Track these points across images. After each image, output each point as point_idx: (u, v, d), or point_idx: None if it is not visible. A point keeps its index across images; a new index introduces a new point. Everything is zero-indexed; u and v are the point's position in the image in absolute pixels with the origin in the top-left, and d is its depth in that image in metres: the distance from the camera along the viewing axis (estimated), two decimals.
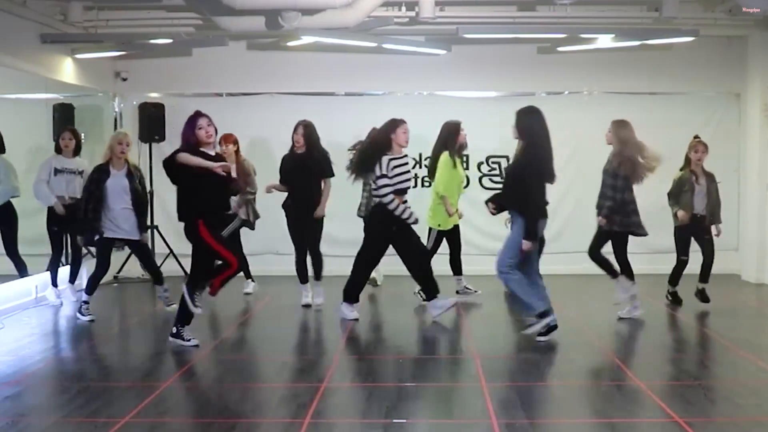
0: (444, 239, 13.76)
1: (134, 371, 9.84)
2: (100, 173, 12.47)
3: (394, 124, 12.05)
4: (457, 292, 13.91)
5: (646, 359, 10.33)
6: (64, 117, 14.34)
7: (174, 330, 10.59)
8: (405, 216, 11.88)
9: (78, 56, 15.42)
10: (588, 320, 12.23)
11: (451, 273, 13.82)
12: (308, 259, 13.12)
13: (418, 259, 12.15)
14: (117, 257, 15.94)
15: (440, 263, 13.13)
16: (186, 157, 10.15)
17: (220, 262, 10.42)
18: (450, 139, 13.58)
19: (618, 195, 11.98)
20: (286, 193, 13.12)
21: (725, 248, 16.70)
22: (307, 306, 13.01)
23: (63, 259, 13.71)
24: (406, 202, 12.04)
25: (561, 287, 14.05)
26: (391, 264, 15.38)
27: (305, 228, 13.02)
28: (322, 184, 13.10)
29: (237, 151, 13.86)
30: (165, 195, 15.20)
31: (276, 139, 14.84)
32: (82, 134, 15.03)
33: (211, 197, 10.37)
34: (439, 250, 13.47)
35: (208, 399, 8.65)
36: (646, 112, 15.61)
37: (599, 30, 14.80)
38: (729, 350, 10.55)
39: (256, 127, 15.55)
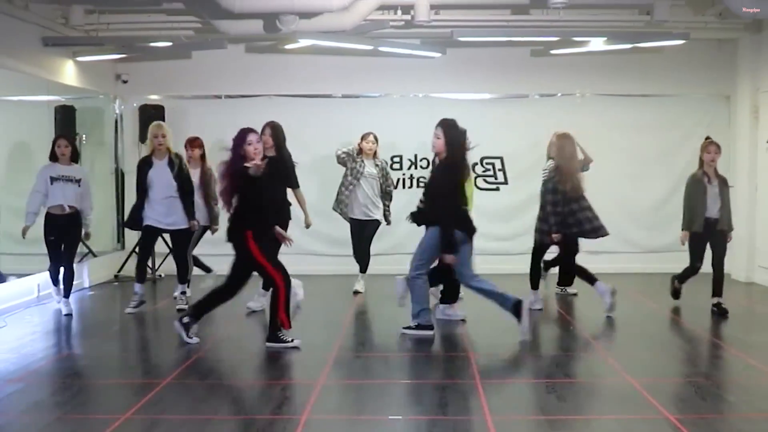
0: None
1: (134, 369, 9.86)
2: (144, 165, 12.91)
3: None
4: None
5: (637, 357, 10.32)
6: (65, 119, 14.34)
7: (272, 335, 10.55)
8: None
9: (79, 59, 15.43)
10: (578, 319, 12.24)
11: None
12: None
13: None
14: (118, 256, 15.96)
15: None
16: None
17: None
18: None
19: (559, 209, 12.08)
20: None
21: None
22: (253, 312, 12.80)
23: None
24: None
25: (552, 286, 14.11)
26: (388, 263, 15.48)
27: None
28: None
29: (203, 156, 13.75)
30: None
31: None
32: (83, 136, 15.08)
33: (263, 210, 10.47)
34: None
35: (206, 396, 8.64)
36: (638, 114, 15.65)
37: (592, 33, 14.81)
38: (719, 348, 10.58)
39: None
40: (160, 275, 16.32)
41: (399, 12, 14.24)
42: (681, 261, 16.01)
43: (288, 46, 15.75)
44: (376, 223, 14.15)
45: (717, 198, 12.29)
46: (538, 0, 13.08)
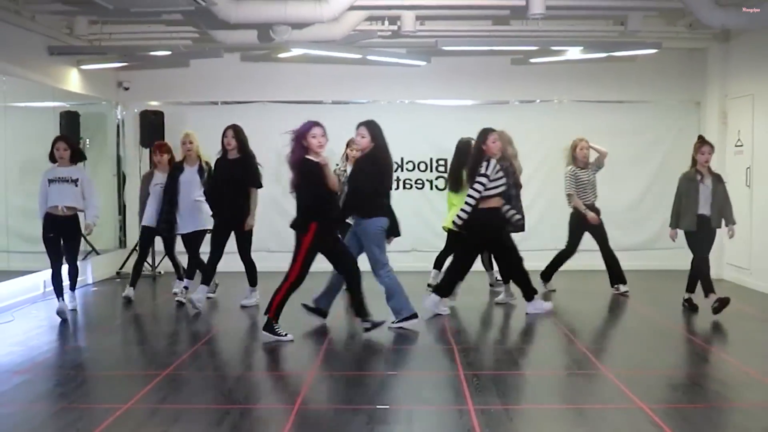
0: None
1: (135, 361, 9.86)
2: (175, 170, 13.02)
3: (490, 133, 11.98)
4: (491, 285, 14.25)
5: (613, 350, 10.37)
6: (70, 124, 14.34)
7: (268, 325, 10.52)
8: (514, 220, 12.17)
9: (83, 67, 15.45)
10: (559, 313, 12.25)
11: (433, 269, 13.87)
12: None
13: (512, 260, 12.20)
14: (119, 254, 15.95)
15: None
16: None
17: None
18: (462, 156, 13.56)
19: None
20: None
21: (686, 246, 16.80)
22: (201, 301, 12.53)
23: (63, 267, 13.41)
24: (509, 206, 12.08)
25: (533, 282, 14.14)
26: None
27: (229, 236, 12.51)
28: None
29: (170, 161, 13.58)
30: None
31: (269, 144, 14.81)
32: (87, 140, 15.07)
33: (329, 204, 10.52)
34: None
35: (204, 386, 8.65)
36: (613, 120, 15.69)
37: (569, 43, 14.86)
38: (692, 342, 10.59)
39: (250, 133, 15.56)
40: (160, 272, 16.32)
41: (386, 23, 14.29)
42: (654, 258, 16.16)
43: (281, 55, 15.78)
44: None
45: (710, 196, 11.84)
46: (517, 11, 13.09)
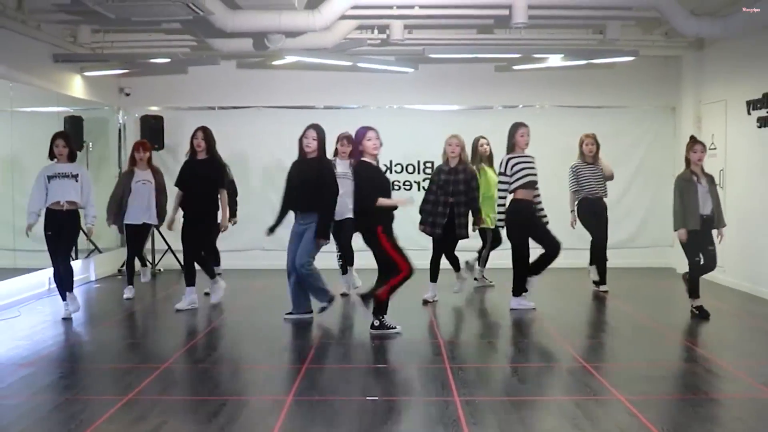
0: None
1: (135, 354, 9.85)
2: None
3: (517, 128, 12.13)
4: (475, 279, 14.26)
5: (591, 343, 10.39)
6: (74, 128, 14.32)
7: (376, 323, 10.61)
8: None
9: (86, 74, 15.45)
10: (541, 309, 12.27)
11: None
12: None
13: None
14: (121, 252, 15.94)
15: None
16: (382, 201, 10.49)
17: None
18: (473, 153, 13.76)
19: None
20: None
21: (662, 245, 16.90)
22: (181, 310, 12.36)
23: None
24: (538, 195, 12.08)
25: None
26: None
27: (199, 236, 12.38)
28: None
29: (149, 160, 13.51)
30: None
31: (264, 147, 14.83)
32: (90, 143, 15.08)
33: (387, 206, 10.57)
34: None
35: (202, 379, 8.66)
36: (592, 124, 15.70)
37: (550, 50, 14.90)
38: (664, 335, 10.62)
39: (245, 136, 15.56)
40: (159, 270, 16.33)
41: (375, 31, 14.32)
42: (631, 256, 16.20)
43: (275, 63, 15.83)
44: (350, 221, 12.59)
45: (707, 196, 11.39)
46: (501, 20, 13.11)
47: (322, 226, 10.98)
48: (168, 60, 14.56)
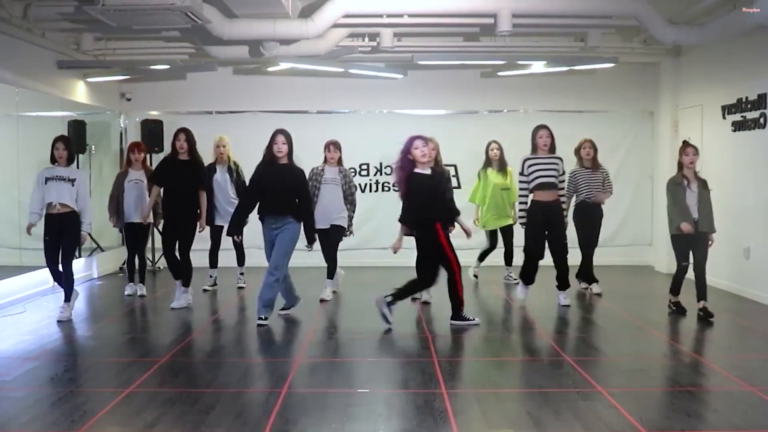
0: (498, 235, 14.32)
1: (136, 348, 9.84)
2: (208, 171, 13.10)
3: (536, 130, 12.16)
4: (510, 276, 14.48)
5: (573, 338, 10.39)
6: (77, 132, 14.31)
7: (456, 315, 10.86)
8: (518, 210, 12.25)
9: (89, 80, 15.45)
10: (526, 305, 12.29)
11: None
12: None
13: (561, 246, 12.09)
14: (122, 250, 15.92)
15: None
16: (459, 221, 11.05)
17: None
18: (486, 157, 14.04)
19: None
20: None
21: (641, 243, 16.96)
22: (173, 309, 12.22)
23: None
24: (561, 197, 12.06)
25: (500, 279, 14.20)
26: (365, 257, 15.53)
27: (179, 233, 12.17)
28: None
29: (144, 161, 13.54)
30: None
31: (259, 151, 14.74)
32: (92, 146, 15.06)
33: (443, 203, 10.71)
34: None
35: (199, 372, 8.65)
36: (573, 128, 15.69)
37: (534, 57, 14.91)
38: (644, 331, 10.62)
39: (241, 140, 15.53)
40: (159, 267, 16.31)
41: (366, 39, 14.30)
42: (611, 255, 16.19)
43: (270, 69, 15.84)
44: (339, 229, 12.75)
45: (696, 201, 11.10)
46: (487, 28, 13.13)
47: (311, 233, 10.96)
48: (167, 66, 14.58)
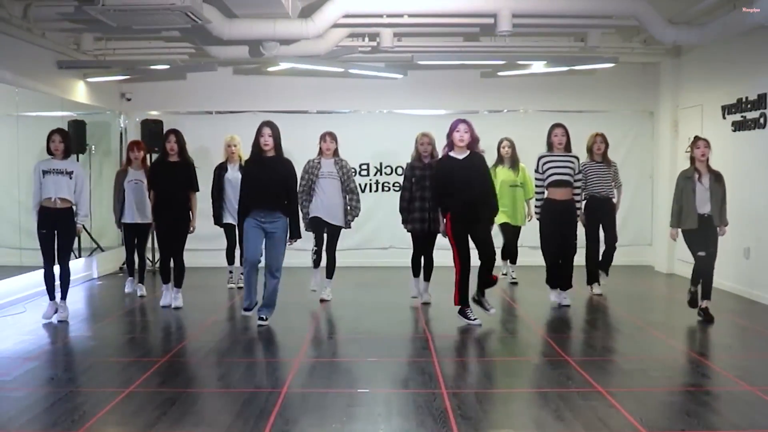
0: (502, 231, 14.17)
1: (137, 348, 9.83)
2: (220, 170, 13.42)
3: (551, 129, 12.16)
4: (504, 274, 14.48)
5: (573, 338, 10.38)
6: (77, 131, 14.29)
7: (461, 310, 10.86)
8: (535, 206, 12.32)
9: (89, 80, 15.45)
10: (525, 305, 12.29)
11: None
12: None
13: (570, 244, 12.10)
14: (122, 250, 15.92)
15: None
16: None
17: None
18: (497, 154, 14.10)
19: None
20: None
21: (641, 243, 16.94)
22: (167, 307, 12.25)
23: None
24: (577, 195, 12.05)
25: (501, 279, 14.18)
26: (365, 257, 15.52)
27: (170, 235, 12.09)
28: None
29: (144, 159, 13.47)
30: None
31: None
32: (92, 146, 15.05)
33: (457, 197, 10.60)
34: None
35: (199, 372, 8.65)
36: (573, 128, 15.58)
37: (533, 57, 14.92)
38: (644, 330, 10.61)
39: (243, 139, 15.48)
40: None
41: (366, 39, 14.30)
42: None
43: (270, 69, 15.84)
44: (338, 228, 12.54)
45: (707, 194, 10.84)
46: (487, 28, 13.13)
47: (296, 226, 10.81)
48: (167, 66, 14.58)
